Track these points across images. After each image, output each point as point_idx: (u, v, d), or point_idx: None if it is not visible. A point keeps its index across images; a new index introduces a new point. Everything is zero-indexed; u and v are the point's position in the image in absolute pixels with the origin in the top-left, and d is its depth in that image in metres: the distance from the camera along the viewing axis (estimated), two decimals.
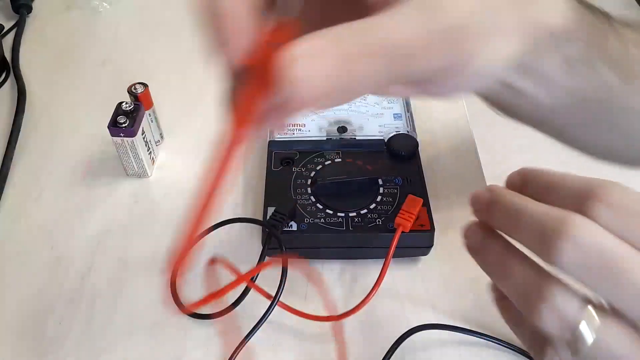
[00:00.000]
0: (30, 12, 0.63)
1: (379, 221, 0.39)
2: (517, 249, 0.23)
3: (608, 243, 0.20)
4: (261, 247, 0.39)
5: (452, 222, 0.40)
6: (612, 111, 0.30)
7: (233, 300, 0.37)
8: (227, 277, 0.40)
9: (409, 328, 0.36)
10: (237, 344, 0.35)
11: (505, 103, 0.29)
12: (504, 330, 0.33)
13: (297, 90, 0.19)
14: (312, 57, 0.19)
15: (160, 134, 0.48)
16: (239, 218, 0.41)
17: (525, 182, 0.24)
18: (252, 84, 0.20)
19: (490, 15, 0.22)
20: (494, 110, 0.31)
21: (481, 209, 0.25)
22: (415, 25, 0.20)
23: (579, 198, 0.21)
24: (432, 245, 0.39)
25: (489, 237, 0.24)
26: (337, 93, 0.20)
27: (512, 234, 0.23)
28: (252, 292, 0.36)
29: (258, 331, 0.35)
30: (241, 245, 0.42)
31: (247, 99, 0.20)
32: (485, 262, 0.25)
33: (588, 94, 0.28)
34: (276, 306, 0.35)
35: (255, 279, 0.36)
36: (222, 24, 0.21)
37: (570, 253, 0.20)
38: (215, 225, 0.40)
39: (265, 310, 0.35)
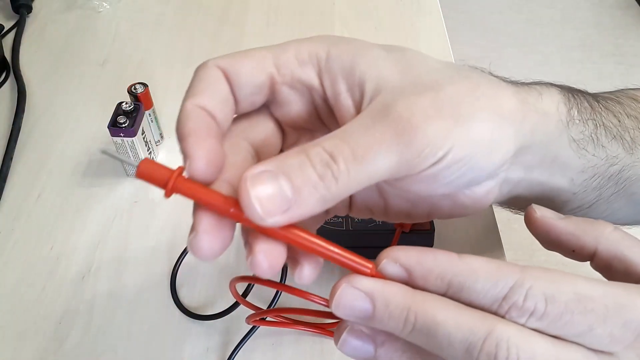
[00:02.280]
0: (30, 12, 0.63)
1: (379, 221, 0.39)
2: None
3: (539, 353, 0.20)
4: None
5: (452, 222, 0.40)
6: (624, 182, 0.30)
7: (232, 302, 0.37)
8: (227, 277, 0.40)
9: None
10: (236, 344, 0.35)
11: (521, 201, 0.30)
12: None
13: (250, 209, 0.20)
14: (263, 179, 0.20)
15: (160, 134, 0.48)
16: None
17: (421, 280, 0.21)
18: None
19: (450, 109, 0.23)
20: (510, 210, 0.33)
21: (364, 320, 0.22)
22: (366, 133, 0.22)
23: (495, 302, 0.20)
24: (432, 245, 0.39)
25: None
26: (289, 208, 0.21)
27: (426, 347, 0.21)
28: (252, 292, 0.36)
29: (257, 331, 0.35)
30: (242, 245, 0.41)
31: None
32: None
33: (599, 169, 0.29)
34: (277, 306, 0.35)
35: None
36: (185, 143, 0.23)
37: None
38: None
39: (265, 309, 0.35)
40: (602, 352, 0.20)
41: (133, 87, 0.45)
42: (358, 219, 0.39)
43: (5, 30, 0.61)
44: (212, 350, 0.36)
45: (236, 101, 0.25)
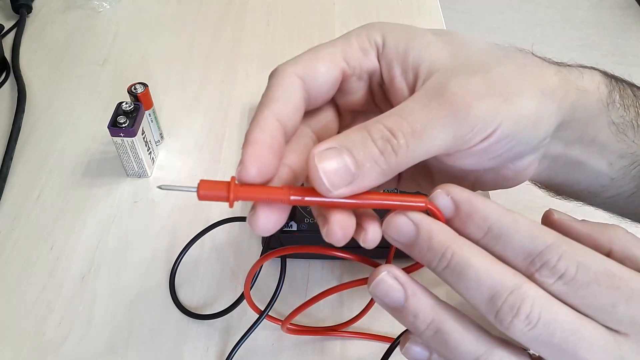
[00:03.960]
0: (30, 12, 0.63)
1: None
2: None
3: (559, 319, 0.20)
4: (261, 247, 0.40)
5: None
6: None
7: (233, 302, 0.37)
8: (226, 277, 0.40)
9: None
10: (235, 343, 0.35)
11: (560, 179, 0.30)
12: None
13: (319, 183, 0.22)
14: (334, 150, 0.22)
15: (160, 134, 0.48)
16: (239, 217, 0.41)
17: (465, 217, 0.23)
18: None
19: (499, 87, 0.24)
20: (548, 193, 0.33)
21: (406, 245, 0.23)
22: (423, 111, 0.23)
23: (528, 257, 0.21)
24: None
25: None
26: (353, 180, 0.22)
27: (452, 285, 0.22)
28: (252, 292, 0.36)
29: (256, 330, 0.35)
30: (241, 245, 0.42)
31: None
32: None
33: (639, 157, 0.29)
34: (275, 308, 0.35)
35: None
36: (245, 149, 0.24)
37: (522, 329, 0.20)
38: (214, 224, 0.40)
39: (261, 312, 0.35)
40: (617, 332, 0.21)
41: (133, 87, 0.45)
42: None
43: (5, 30, 0.61)
44: (212, 349, 0.36)
45: (309, 101, 0.27)
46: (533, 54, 0.28)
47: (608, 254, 0.25)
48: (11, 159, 0.47)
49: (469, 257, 0.21)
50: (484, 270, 0.21)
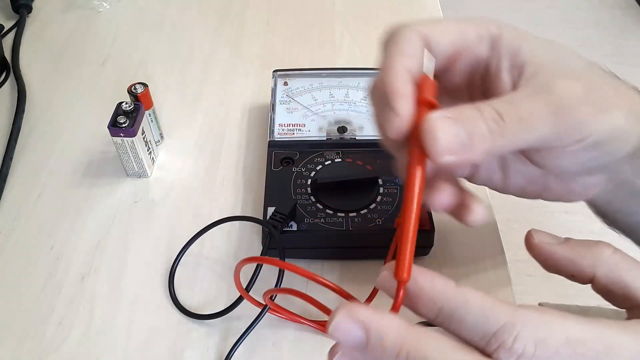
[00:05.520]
0: (30, 12, 0.63)
1: (379, 221, 0.39)
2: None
3: None
4: (261, 247, 0.40)
5: (452, 222, 0.40)
6: None
7: (232, 301, 0.37)
8: (226, 276, 0.40)
9: None
10: (233, 343, 0.35)
11: (618, 205, 0.31)
12: None
13: (432, 144, 0.23)
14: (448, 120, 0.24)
15: (160, 134, 0.48)
16: (239, 216, 0.41)
17: (414, 299, 0.23)
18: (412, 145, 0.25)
19: (596, 97, 0.26)
20: (602, 220, 0.34)
21: (359, 349, 0.22)
22: (530, 103, 0.25)
23: (484, 338, 0.21)
24: (432, 245, 0.39)
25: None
26: (461, 150, 0.24)
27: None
28: (252, 291, 0.36)
29: (256, 330, 0.35)
30: (241, 245, 0.42)
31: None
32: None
33: None
34: (275, 306, 0.35)
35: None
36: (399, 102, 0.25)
37: None
38: (214, 222, 0.40)
39: (257, 313, 0.35)
40: None
41: (133, 87, 0.45)
42: (358, 219, 0.39)
43: (5, 30, 0.60)
44: (212, 349, 0.36)
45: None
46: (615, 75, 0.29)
47: (592, 280, 0.25)
48: (11, 159, 0.47)
49: (425, 352, 0.21)
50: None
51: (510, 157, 0.30)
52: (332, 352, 0.23)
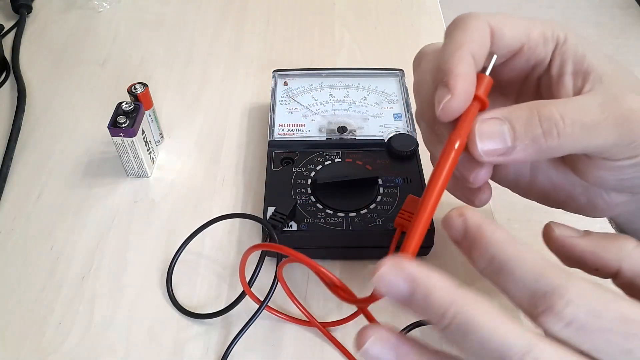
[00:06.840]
0: (30, 12, 0.63)
1: (379, 221, 0.39)
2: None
3: None
4: None
5: None
6: None
7: (232, 300, 0.37)
8: (226, 275, 0.40)
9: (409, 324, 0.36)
10: (230, 342, 0.35)
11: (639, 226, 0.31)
12: None
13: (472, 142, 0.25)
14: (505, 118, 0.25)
15: (160, 134, 0.48)
16: (239, 214, 0.41)
17: (470, 243, 0.22)
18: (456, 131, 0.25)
19: None
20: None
21: (401, 303, 0.21)
22: (596, 109, 0.25)
23: (532, 297, 0.20)
24: (432, 245, 0.39)
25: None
26: (506, 152, 0.25)
27: (456, 345, 0.21)
28: (253, 290, 0.36)
29: (256, 330, 0.35)
30: (241, 242, 0.42)
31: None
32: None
33: None
34: (271, 306, 0.35)
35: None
36: (455, 80, 0.25)
37: None
38: (214, 219, 0.40)
39: (254, 311, 0.35)
40: None
41: (133, 87, 0.45)
42: (358, 219, 0.39)
43: (5, 30, 0.61)
44: (212, 349, 0.36)
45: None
46: None
47: (616, 274, 0.24)
48: (11, 159, 0.47)
49: (474, 315, 0.19)
50: (490, 330, 0.19)
51: (544, 161, 0.30)
52: (364, 334, 0.21)
